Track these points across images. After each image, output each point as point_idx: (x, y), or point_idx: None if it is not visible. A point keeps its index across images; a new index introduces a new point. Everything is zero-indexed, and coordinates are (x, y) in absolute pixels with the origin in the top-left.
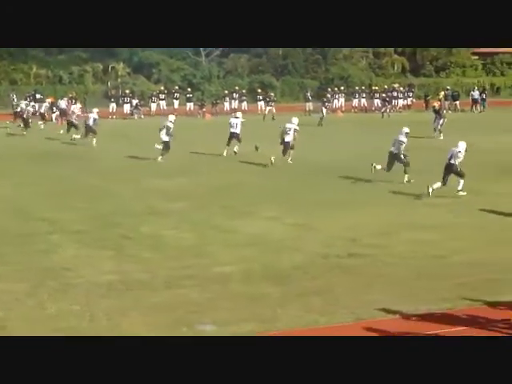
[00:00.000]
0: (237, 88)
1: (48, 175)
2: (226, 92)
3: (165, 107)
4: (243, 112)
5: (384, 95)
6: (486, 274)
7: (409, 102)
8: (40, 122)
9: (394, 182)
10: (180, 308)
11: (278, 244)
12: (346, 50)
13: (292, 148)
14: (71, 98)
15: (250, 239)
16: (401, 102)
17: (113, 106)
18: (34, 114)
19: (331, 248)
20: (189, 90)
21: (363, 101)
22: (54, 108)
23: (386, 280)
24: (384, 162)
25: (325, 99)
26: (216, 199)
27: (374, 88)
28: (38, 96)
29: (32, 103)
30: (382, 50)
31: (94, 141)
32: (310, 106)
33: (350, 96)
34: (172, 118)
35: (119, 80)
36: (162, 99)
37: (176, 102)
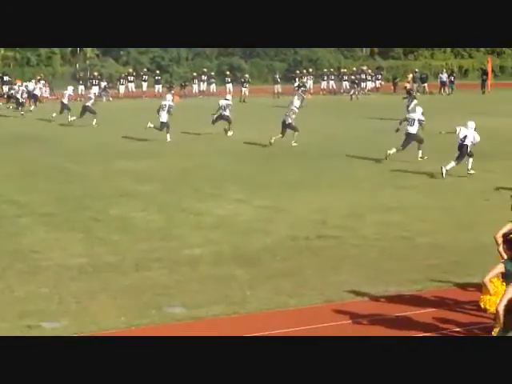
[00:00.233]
0: (205, 70)
1: (17, 158)
2: (195, 74)
3: (133, 89)
4: (212, 94)
5: (353, 78)
6: (453, 256)
7: (377, 85)
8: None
9: (362, 163)
10: (149, 290)
11: (246, 226)
12: None
13: (297, 129)
14: (39, 80)
15: (219, 221)
16: (369, 85)
17: (81, 88)
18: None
19: (300, 230)
20: (157, 72)
21: (332, 83)
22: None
23: (355, 262)
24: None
25: (300, 83)
26: (184, 181)
27: (342, 70)
28: (5, 78)
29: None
30: None
31: (94, 121)
32: (278, 88)
33: (318, 78)
34: (170, 97)
35: (88, 62)
36: (131, 81)
37: (144, 85)
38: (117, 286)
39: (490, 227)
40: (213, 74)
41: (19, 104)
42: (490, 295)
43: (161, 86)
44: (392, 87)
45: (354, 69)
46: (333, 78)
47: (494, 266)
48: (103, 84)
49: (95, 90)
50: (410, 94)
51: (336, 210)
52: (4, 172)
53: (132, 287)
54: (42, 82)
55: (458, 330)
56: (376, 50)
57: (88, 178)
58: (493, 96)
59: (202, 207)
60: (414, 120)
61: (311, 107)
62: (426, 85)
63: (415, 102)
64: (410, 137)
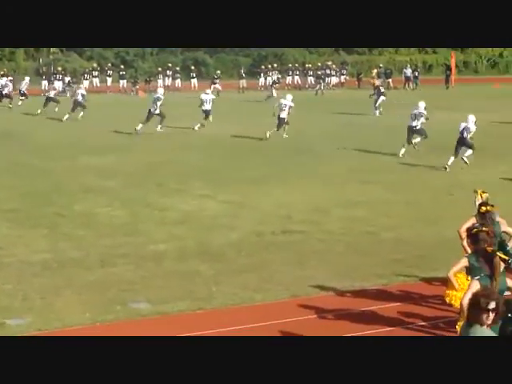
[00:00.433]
0: (170, 65)
1: None
2: (160, 69)
3: (98, 84)
4: (177, 89)
5: (319, 73)
6: (418, 251)
7: (342, 80)
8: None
9: (328, 158)
10: (114, 286)
11: (211, 222)
12: None
13: (287, 123)
14: (2, 76)
15: (184, 217)
16: (334, 80)
17: (44, 83)
18: None
19: (266, 225)
20: (122, 67)
21: (297, 78)
22: None
23: (321, 257)
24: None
25: (275, 79)
26: (149, 177)
27: (307, 66)
28: None
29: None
30: None
31: (81, 114)
32: (243, 83)
33: (283, 73)
34: (161, 91)
35: (51, 57)
36: (95, 76)
37: (109, 80)
38: (81, 281)
39: (454, 222)
40: (178, 69)
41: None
42: (456, 290)
43: (125, 81)
44: (356, 82)
45: (319, 64)
46: (298, 73)
47: (458, 261)
48: (67, 79)
49: (58, 85)
50: (378, 90)
51: (301, 205)
52: None
53: (97, 283)
54: (5, 78)
55: (423, 323)
56: None
57: (53, 174)
58: (456, 91)
59: (167, 202)
60: (416, 115)
61: (276, 102)
62: (390, 80)
63: (383, 98)
64: (412, 130)
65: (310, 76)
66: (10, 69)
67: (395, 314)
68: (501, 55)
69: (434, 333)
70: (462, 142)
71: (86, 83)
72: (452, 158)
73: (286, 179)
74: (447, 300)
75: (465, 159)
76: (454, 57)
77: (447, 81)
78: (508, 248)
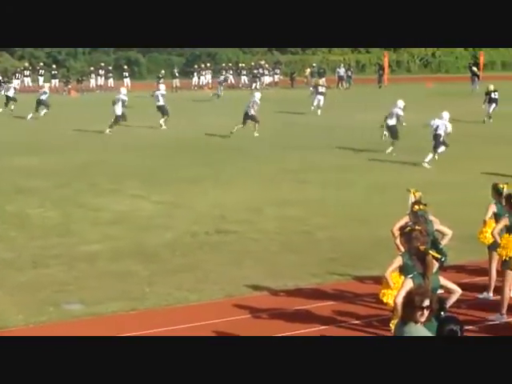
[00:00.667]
0: (103, 65)
1: None
2: (92, 69)
3: (30, 84)
4: (109, 89)
5: (255, 72)
6: (352, 250)
7: (275, 79)
8: None
9: (263, 158)
10: (47, 287)
11: (145, 222)
12: None
13: (257, 121)
14: None
15: (117, 217)
16: (267, 79)
17: None
18: None
19: (200, 225)
20: (54, 66)
21: (230, 78)
22: None
23: (255, 256)
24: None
25: (222, 78)
26: (81, 177)
27: (240, 65)
28: None
29: None
30: None
31: (44, 111)
32: (176, 82)
33: (216, 73)
34: (124, 91)
35: None
36: (27, 76)
37: (41, 79)
38: (13, 282)
39: (387, 221)
40: (110, 68)
41: None
42: (391, 289)
43: (57, 80)
44: (290, 82)
45: (252, 63)
46: (231, 72)
47: (393, 260)
48: None
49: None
50: (316, 89)
51: (236, 205)
52: None
53: (29, 284)
54: None
55: (356, 322)
56: None
57: None
58: (389, 90)
59: (100, 203)
60: (393, 114)
61: (211, 102)
62: (323, 79)
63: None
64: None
65: (244, 75)
66: None
67: (329, 313)
68: (433, 55)
69: (367, 331)
70: (436, 139)
71: (17, 83)
72: (430, 156)
73: (221, 179)
74: (383, 299)
75: (436, 156)
76: (386, 56)
77: (380, 80)
78: (441, 246)
